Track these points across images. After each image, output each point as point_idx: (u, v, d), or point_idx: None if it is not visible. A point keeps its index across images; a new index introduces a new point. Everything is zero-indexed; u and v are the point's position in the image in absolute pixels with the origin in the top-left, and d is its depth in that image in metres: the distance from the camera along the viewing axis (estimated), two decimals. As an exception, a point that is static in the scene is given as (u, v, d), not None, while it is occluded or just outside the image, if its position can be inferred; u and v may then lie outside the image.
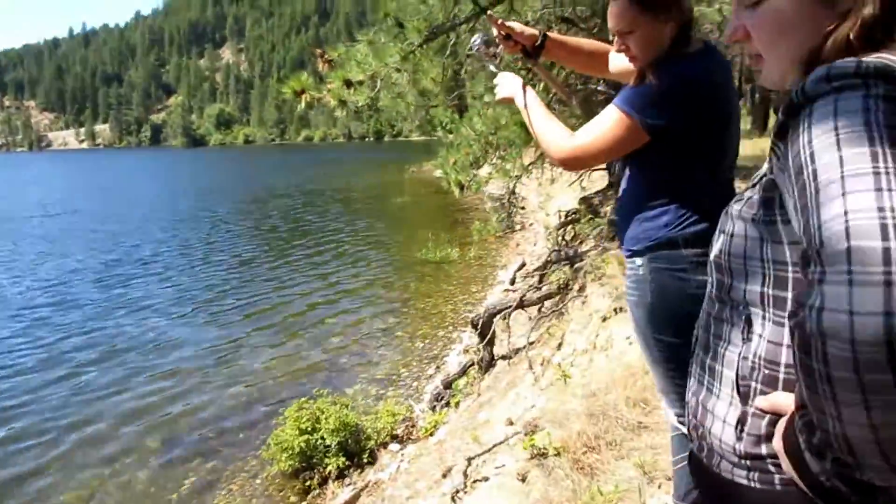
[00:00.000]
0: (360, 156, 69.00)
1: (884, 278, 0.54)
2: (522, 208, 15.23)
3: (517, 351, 6.24)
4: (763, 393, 0.82)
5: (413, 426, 5.94)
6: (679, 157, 1.79)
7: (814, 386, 0.60)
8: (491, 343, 6.36)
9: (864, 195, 0.58)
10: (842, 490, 0.68)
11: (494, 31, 2.09)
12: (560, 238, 9.45)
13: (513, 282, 10.60)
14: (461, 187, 9.08)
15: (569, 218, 10.16)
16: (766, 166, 0.81)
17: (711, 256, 0.91)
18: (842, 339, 0.56)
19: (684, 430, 1.99)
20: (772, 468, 0.81)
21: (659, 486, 2.54)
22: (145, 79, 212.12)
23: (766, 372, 0.81)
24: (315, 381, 7.39)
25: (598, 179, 12.46)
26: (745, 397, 0.84)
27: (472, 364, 6.50)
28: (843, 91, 0.66)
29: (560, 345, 5.31)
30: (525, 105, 1.94)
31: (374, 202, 24.67)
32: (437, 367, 7.64)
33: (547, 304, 6.58)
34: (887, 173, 0.59)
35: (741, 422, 0.84)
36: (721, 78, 1.83)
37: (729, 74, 1.88)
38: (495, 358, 6.43)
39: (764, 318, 0.82)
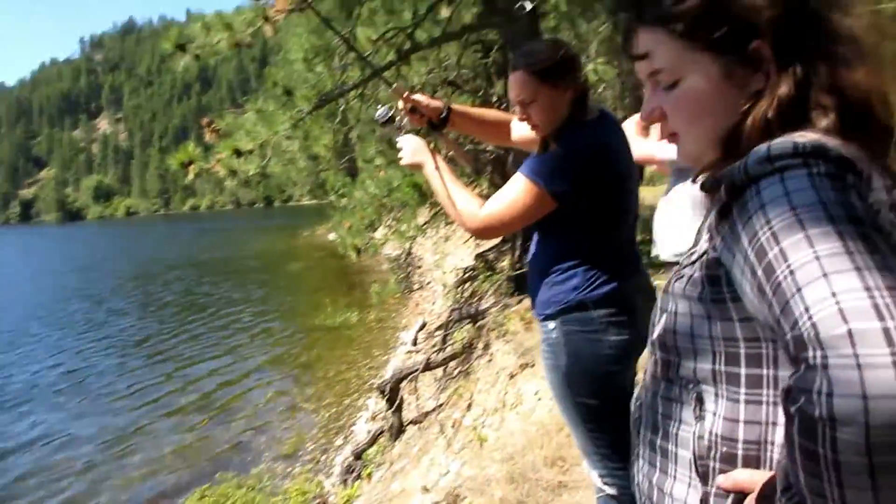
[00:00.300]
0: (250, 223, 67.56)
1: (892, 359, 0.53)
2: (419, 267, 15.29)
3: (426, 415, 6.14)
4: (723, 471, 0.80)
5: (325, 503, 5.69)
6: (584, 221, 1.83)
7: (816, 471, 0.58)
8: (399, 409, 6.23)
9: (846, 275, 0.58)
10: None
11: (400, 104, 2.09)
12: (459, 296, 9.50)
13: (415, 343, 10.53)
14: (358, 251, 9.01)
15: (466, 275, 10.26)
16: (704, 245, 0.81)
17: (654, 336, 0.90)
18: (856, 424, 0.54)
19: (610, 490, 1.98)
20: None
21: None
22: (12, 152, 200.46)
23: (724, 450, 0.80)
24: (218, 464, 6.98)
25: (491, 235, 12.72)
26: (704, 477, 0.82)
27: (382, 432, 6.33)
28: (786, 171, 0.68)
29: (469, 405, 5.27)
30: (433, 173, 1.94)
31: (268, 270, 24.00)
32: (346, 438, 7.41)
33: (452, 364, 6.55)
34: (859, 252, 0.59)
35: (704, 503, 0.82)
36: (618, 143, 1.91)
37: (624, 138, 1.96)
38: (405, 424, 6.30)
39: (717, 395, 0.81)
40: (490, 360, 5.55)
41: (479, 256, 10.87)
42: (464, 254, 14.10)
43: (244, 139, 7.15)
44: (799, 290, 0.60)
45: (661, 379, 0.89)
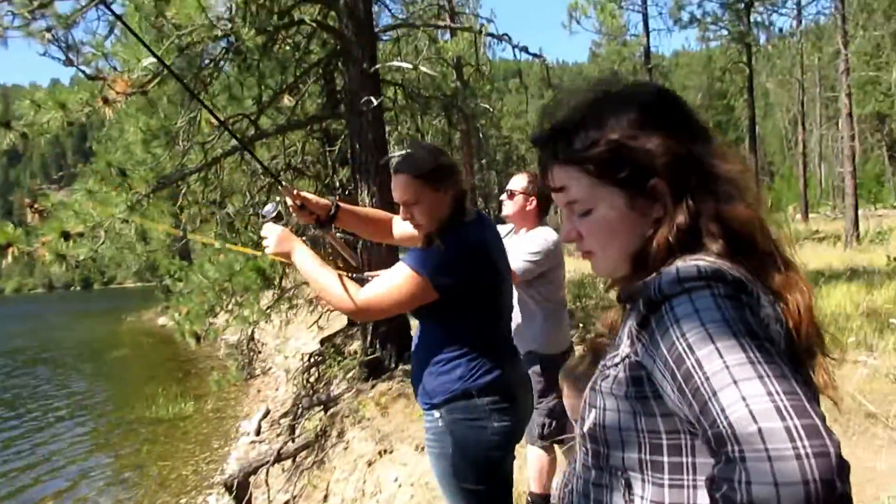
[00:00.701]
0: (67, 307, 61.74)
1: (794, 452, 0.67)
2: (259, 353, 14.74)
3: (278, 510, 5.87)
4: None
5: None
6: (466, 313, 1.97)
7: None
8: (247, 505, 5.92)
9: (751, 382, 0.72)
10: None
11: (289, 201, 2.15)
12: (306, 381, 9.27)
13: (258, 432, 10.07)
14: (197, 338, 8.60)
15: (312, 360, 10.06)
16: (625, 349, 0.95)
17: (584, 429, 1.01)
18: None
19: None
20: None
21: None
22: None
23: None
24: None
25: (335, 319, 12.63)
26: None
27: (228, 532, 5.96)
28: (693, 291, 0.83)
29: (326, 496, 5.13)
30: (303, 260, 1.99)
31: (90, 358, 21.90)
32: (184, 542, 6.86)
33: (304, 453, 6.35)
34: (759, 362, 0.74)
35: None
36: (495, 243, 2.09)
37: (500, 239, 2.15)
38: (253, 521, 5.98)
39: (643, 480, 0.93)
40: (346, 448, 5.46)
41: (325, 341, 10.73)
42: (307, 338, 13.81)
43: (73, 221, 6.71)
44: (714, 394, 0.74)
45: (592, 467, 1.00)
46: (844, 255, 14.89)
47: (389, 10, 10.87)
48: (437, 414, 1.99)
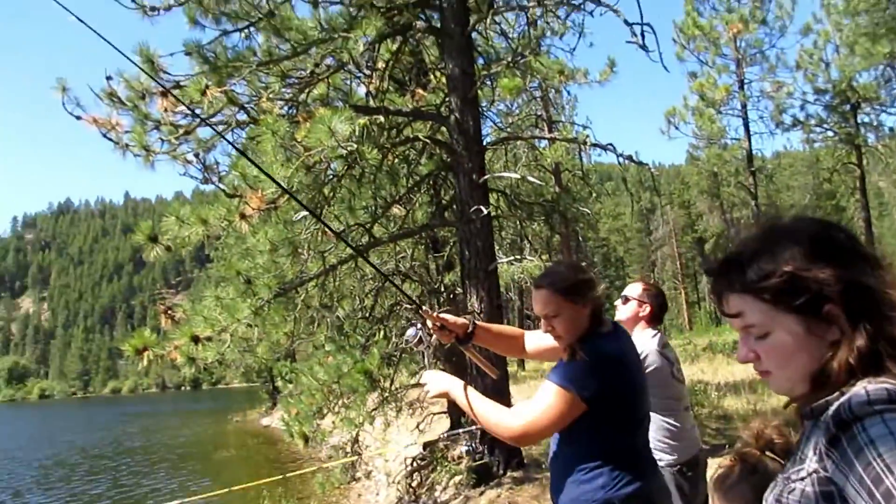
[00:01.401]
0: (177, 407, 64.22)
1: None
2: (361, 454, 14.79)
3: None
4: None
5: None
6: (607, 424, 2.04)
7: None
8: None
9: None
10: None
11: (430, 324, 2.35)
12: (409, 486, 9.25)
13: (361, 537, 10.02)
14: (305, 439, 8.82)
15: (416, 464, 10.05)
16: (812, 464, 1.01)
17: None
18: None
19: None
20: None
21: None
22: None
23: None
24: None
25: (437, 422, 12.63)
26: None
27: None
28: (884, 413, 0.91)
29: None
30: (462, 395, 2.15)
31: (198, 458, 22.61)
32: None
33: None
34: None
35: None
36: (631, 353, 2.19)
37: (635, 349, 2.25)
38: None
39: None
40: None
41: (428, 444, 10.73)
42: (406, 440, 13.82)
43: (202, 326, 7.21)
44: None
45: None
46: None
47: (492, 122, 11.44)
48: None
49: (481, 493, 6.19)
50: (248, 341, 7.99)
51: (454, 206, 7.84)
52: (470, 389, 2.16)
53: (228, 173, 7.18)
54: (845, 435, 0.93)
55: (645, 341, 3.14)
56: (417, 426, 12.12)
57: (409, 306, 9.37)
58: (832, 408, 0.98)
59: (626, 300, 3.31)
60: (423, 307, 2.41)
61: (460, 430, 8.70)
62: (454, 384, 2.20)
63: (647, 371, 3.01)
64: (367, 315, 9.92)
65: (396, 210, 9.41)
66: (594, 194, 17.74)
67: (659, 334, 3.26)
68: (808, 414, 1.06)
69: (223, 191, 6.36)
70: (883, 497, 0.85)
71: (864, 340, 1.01)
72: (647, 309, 3.27)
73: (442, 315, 2.36)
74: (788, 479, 1.07)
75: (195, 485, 17.22)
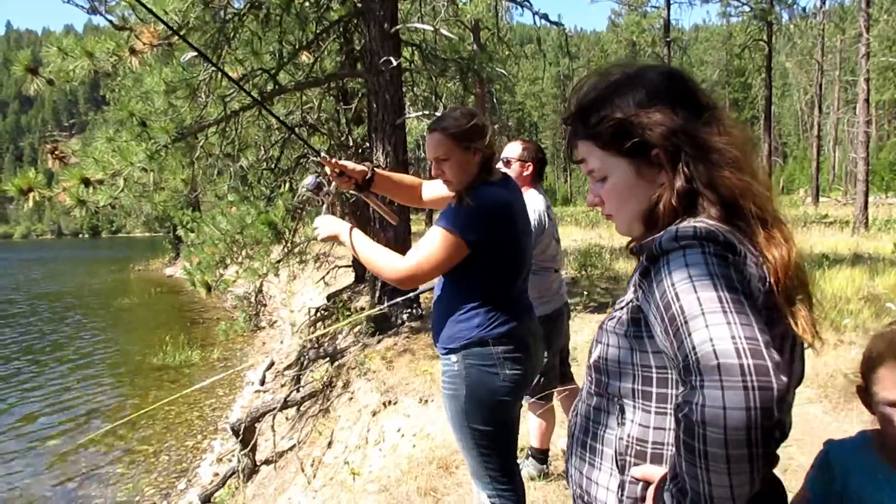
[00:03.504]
0: (75, 254, 62.09)
1: (742, 385, 0.83)
2: (264, 306, 14.96)
3: (282, 454, 6.11)
4: (636, 464, 1.08)
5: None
6: (489, 268, 2.12)
7: (692, 460, 0.88)
8: (254, 449, 6.15)
9: (720, 327, 0.88)
10: None
11: (328, 170, 2.32)
12: (312, 335, 9.50)
13: (262, 382, 10.34)
14: (208, 288, 8.78)
15: (319, 314, 10.28)
16: (630, 295, 1.10)
17: (591, 361, 1.17)
18: (718, 426, 0.84)
19: (495, 510, 2.23)
20: None
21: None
22: None
23: (638, 448, 1.08)
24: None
25: (342, 276, 12.83)
26: (622, 468, 1.10)
27: (233, 473, 6.20)
28: (687, 248, 0.98)
29: (330, 443, 5.34)
30: (352, 238, 2.16)
31: (98, 306, 22.15)
32: (189, 481, 7.11)
33: (310, 402, 6.57)
34: (730, 311, 0.89)
35: (621, 487, 1.09)
36: (518, 202, 2.23)
37: (523, 201, 2.29)
38: (258, 464, 6.22)
39: (634, 407, 1.09)
40: (351, 398, 5.66)
41: (332, 296, 10.94)
42: (313, 293, 14.04)
43: (93, 168, 6.86)
44: (689, 334, 0.90)
45: (594, 395, 1.16)
46: (851, 241, 14.95)
47: (410, -30, 10.84)
48: (453, 358, 2.16)
49: (379, 342, 6.43)
50: (143, 187, 7.68)
51: (365, 57, 7.52)
52: (358, 233, 2.19)
53: (118, 3, 6.57)
54: (653, 268, 1.00)
55: (534, 202, 3.20)
56: (323, 279, 12.30)
57: (315, 159, 9.18)
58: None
59: (508, 162, 3.29)
60: (323, 154, 2.37)
61: (363, 284, 8.88)
62: (344, 227, 2.22)
63: (535, 230, 3.10)
64: (273, 166, 9.67)
65: (304, 57, 8.96)
66: (512, 56, 17.39)
67: (543, 195, 3.33)
68: (635, 251, 1.13)
69: (111, 22, 5.84)
70: (669, 321, 0.94)
71: (682, 183, 1.07)
72: (529, 168, 3.30)
73: (341, 162, 2.34)
74: (614, 308, 1.16)
75: (94, 331, 17.03)
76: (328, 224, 2.25)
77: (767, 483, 1.11)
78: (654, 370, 1.07)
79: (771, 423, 0.83)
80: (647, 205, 1.11)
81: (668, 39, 21.83)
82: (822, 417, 4.29)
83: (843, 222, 19.83)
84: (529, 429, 3.53)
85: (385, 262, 2.11)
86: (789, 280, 1.01)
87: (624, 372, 1.09)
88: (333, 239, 2.23)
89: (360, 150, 9.78)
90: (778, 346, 1.00)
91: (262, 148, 10.17)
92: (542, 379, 3.30)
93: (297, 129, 9.21)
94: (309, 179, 2.37)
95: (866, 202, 19.23)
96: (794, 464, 3.62)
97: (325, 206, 2.38)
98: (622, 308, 1.12)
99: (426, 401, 4.81)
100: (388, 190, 2.55)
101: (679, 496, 0.94)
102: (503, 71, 13.95)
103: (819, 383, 4.74)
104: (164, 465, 7.67)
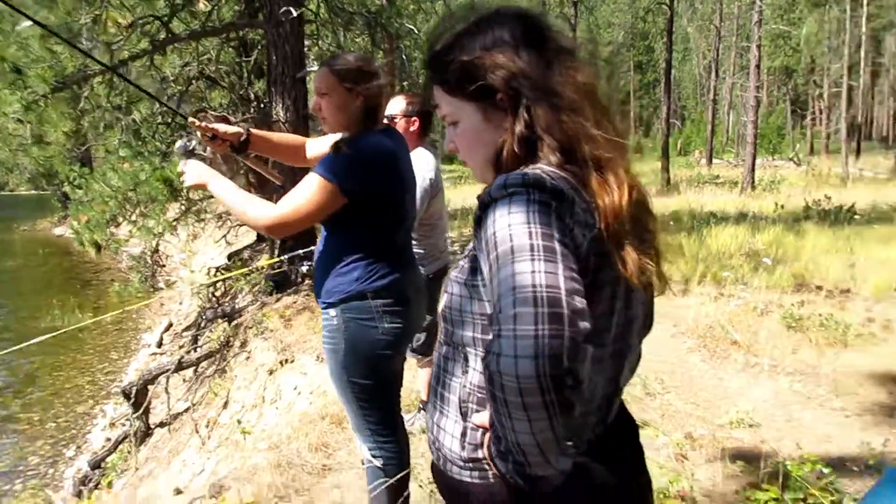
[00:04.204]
0: (-51, 211, 57.62)
1: (533, 333, 0.84)
2: (163, 266, 14.40)
3: (177, 416, 5.96)
4: (477, 411, 1.10)
5: (57, 518, 5.27)
6: (368, 219, 2.09)
7: (497, 408, 0.89)
8: (147, 412, 5.97)
9: (524, 275, 0.88)
10: (519, 482, 0.98)
11: (199, 134, 2.21)
12: (211, 295, 9.24)
13: (160, 344, 10.03)
14: (98, 247, 8.37)
15: (219, 274, 9.99)
16: (472, 244, 1.09)
17: (440, 310, 1.17)
18: (511, 375, 0.85)
19: (377, 462, 2.25)
20: (486, 467, 1.08)
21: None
22: None
23: (479, 395, 1.09)
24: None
25: (244, 234, 12.47)
26: (465, 415, 1.11)
27: (126, 437, 6.01)
28: (513, 196, 0.97)
29: (226, 403, 5.25)
30: (219, 187, 2.08)
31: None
32: (79, 447, 6.85)
33: (206, 363, 6.42)
34: (538, 259, 0.90)
35: (463, 434, 1.10)
36: (401, 153, 2.20)
37: (407, 152, 2.27)
38: (152, 427, 6.05)
39: (475, 355, 1.10)
40: (248, 358, 5.57)
41: (232, 255, 10.64)
42: (214, 253, 13.60)
43: (-38, 118, 6.35)
44: (499, 283, 0.91)
45: (444, 343, 1.17)
46: (738, 201, 15.77)
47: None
48: (332, 312, 2.13)
49: (278, 300, 6.33)
50: (21, 140, 7.17)
51: (264, 6, 7.21)
52: (225, 181, 2.10)
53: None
54: (483, 216, 1.00)
55: (423, 160, 3.17)
56: (224, 238, 11.92)
57: (215, 114, 8.81)
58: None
59: (392, 120, 3.18)
60: (191, 118, 2.26)
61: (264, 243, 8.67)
62: (211, 175, 2.12)
63: (424, 187, 3.09)
64: (170, 120, 9.21)
65: (201, 5, 8.53)
66: (423, 12, 17.11)
67: (433, 153, 3.30)
68: (479, 205, 1.13)
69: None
70: (491, 262, 0.95)
71: (522, 128, 1.06)
72: (416, 123, 3.24)
73: (211, 125, 2.24)
74: (460, 259, 1.17)
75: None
76: (197, 171, 2.14)
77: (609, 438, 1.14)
78: (489, 319, 1.07)
79: (560, 371, 0.84)
80: (494, 150, 1.09)
81: (574, 1, 22.08)
82: (700, 366, 4.55)
83: (732, 183, 20.84)
84: (420, 383, 3.58)
85: (253, 209, 2.03)
86: (619, 225, 1.01)
87: (465, 321, 1.10)
88: (201, 187, 2.13)
89: (261, 105, 9.45)
90: (608, 294, 1.04)
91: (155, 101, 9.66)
92: (428, 337, 3.34)
93: (180, 72, 8.80)
94: (179, 144, 2.24)
95: (754, 164, 20.28)
96: (671, 409, 3.85)
97: (207, 163, 2.28)
98: (466, 257, 1.13)
99: (324, 358, 4.79)
100: (269, 150, 2.47)
101: (496, 443, 0.97)
102: (413, 27, 13.71)
103: (699, 334, 5.02)
104: (51, 432, 7.34)
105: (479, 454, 1.08)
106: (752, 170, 20.13)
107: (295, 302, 6.09)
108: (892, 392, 3.95)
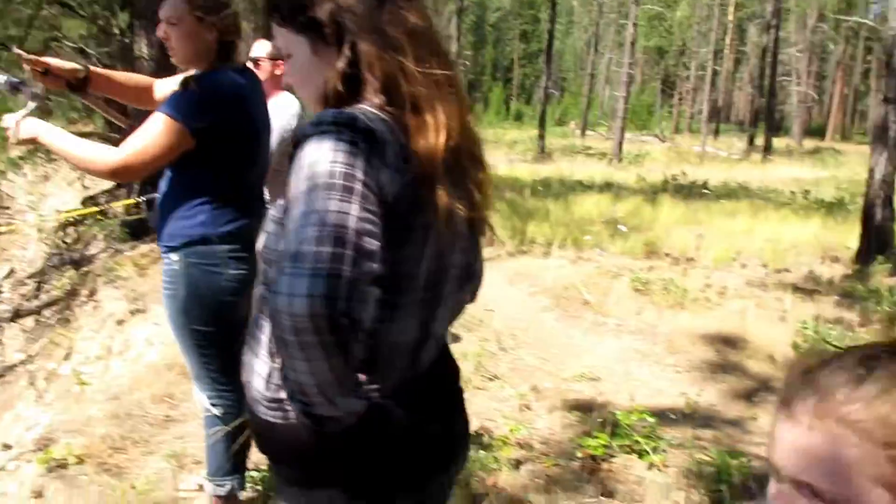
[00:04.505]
0: None
1: (310, 272, 0.84)
2: (6, 208, 13.25)
3: (12, 368, 5.55)
4: None
5: None
6: (215, 161, 1.99)
7: (279, 348, 0.89)
8: (-22, 363, 5.52)
9: (314, 214, 0.88)
10: (306, 422, 0.98)
11: (27, 69, 2.01)
12: (61, 241, 8.62)
13: None
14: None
15: (72, 218, 9.33)
16: None
17: (257, 249, 1.13)
18: (286, 313, 0.84)
19: (216, 411, 2.20)
20: (288, 407, 1.06)
21: (190, 472, 2.69)
22: None
23: None
24: None
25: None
26: (272, 356, 1.08)
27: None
28: (323, 134, 0.95)
29: (69, 354, 4.94)
30: (51, 137, 1.92)
31: None
32: None
33: (48, 312, 6.00)
34: (333, 199, 0.89)
35: (270, 374, 1.08)
36: (256, 96, 2.10)
37: (263, 94, 2.16)
38: (-17, 380, 5.61)
39: None
40: (96, 307, 5.25)
41: (87, 200, 9.96)
42: (68, 196, 12.65)
43: None
44: (292, 219, 0.90)
45: (261, 283, 1.14)
46: (606, 171, 16.54)
47: None
48: (174, 257, 2.03)
49: (134, 248, 6.00)
50: None
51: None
52: (57, 129, 1.95)
53: None
54: (295, 152, 0.99)
55: (287, 106, 3.06)
56: (80, 180, 11.11)
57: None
58: None
59: (257, 62, 3.04)
60: (17, 49, 2.05)
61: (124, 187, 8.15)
62: (41, 126, 1.94)
63: (282, 135, 2.98)
64: (18, 46, 8.37)
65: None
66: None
67: (299, 101, 3.20)
68: (293, 144, 1.11)
69: None
70: (290, 200, 0.94)
71: (345, 65, 1.04)
72: (282, 67, 3.13)
73: (44, 59, 2.04)
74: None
75: None
76: (23, 123, 1.94)
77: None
78: None
79: (334, 312, 0.84)
80: (323, 87, 1.07)
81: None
82: (553, 324, 4.76)
83: (602, 154, 21.80)
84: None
85: (93, 154, 1.89)
86: (432, 169, 1.01)
87: (276, 260, 1.07)
88: (31, 142, 1.95)
89: (125, 39, 8.80)
90: (418, 239, 1.03)
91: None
92: None
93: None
94: (2, 79, 2.04)
95: (622, 138, 21.29)
96: (521, 363, 4.02)
97: (32, 107, 2.06)
98: (286, 196, 1.10)
99: (178, 308, 4.60)
100: (112, 91, 2.28)
101: (286, 383, 0.97)
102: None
103: (555, 294, 5.24)
104: None
105: (283, 394, 1.06)
106: (621, 143, 21.16)
107: (152, 250, 5.78)
108: (719, 351, 4.31)
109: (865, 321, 4.87)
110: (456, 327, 4.43)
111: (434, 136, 1.01)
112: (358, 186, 0.91)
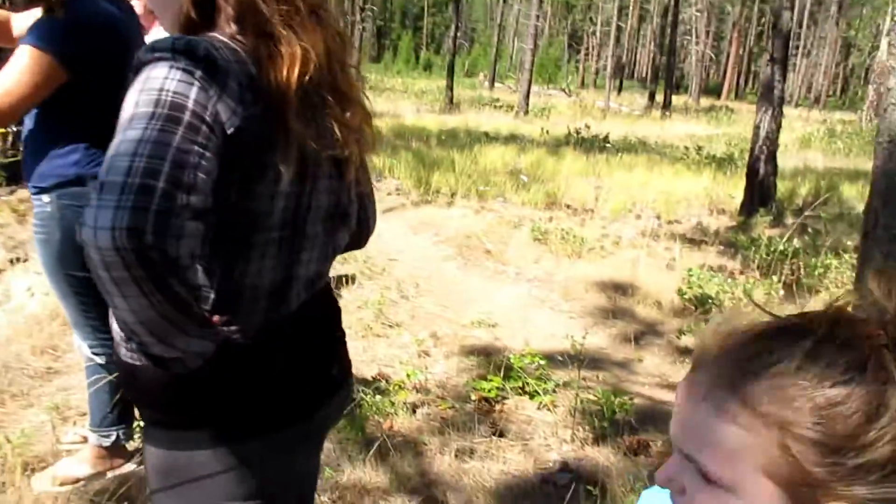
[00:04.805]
0: None
1: (115, 204, 0.79)
2: None
3: None
4: None
5: None
6: (90, 95, 1.85)
7: (97, 284, 0.84)
8: None
9: (130, 144, 0.83)
10: (147, 363, 0.94)
11: None
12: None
13: None
14: None
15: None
16: None
17: None
18: (93, 246, 0.80)
19: (98, 360, 2.12)
20: None
21: (73, 423, 2.60)
22: None
23: None
24: None
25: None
26: None
27: None
28: (158, 61, 0.89)
29: (-59, 307, 4.62)
30: None
31: None
32: None
33: (-81, 262, 5.56)
34: (153, 128, 0.84)
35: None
36: (129, 24, 1.96)
37: (138, 27, 2.02)
38: None
39: None
40: (-30, 256, 4.91)
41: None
42: (-62, 138, 11.68)
43: None
44: (110, 147, 0.86)
45: None
46: (512, 124, 16.69)
47: None
48: (46, 198, 1.91)
49: (12, 192, 5.62)
50: None
51: None
52: None
53: None
54: (131, 81, 0.93)
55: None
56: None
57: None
58: None
59: None
60: None
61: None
62: None
63: None
64: None
65: None
66: None
67: None
68: (132, 70, 1.01)
69: None
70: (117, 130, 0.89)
71: None
72: None
73: None
74: None
75: None
76: None
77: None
78: None
79: (142, 246, 0.79)
80: (178, 13, 1.00)
81: None
82: (455, 272, 4.83)
83: (509, 106, 21.94)
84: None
85: None
86: (284, 104, 0.97)
87: None
88: None
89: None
90: (270, 177, 0.98)
91: None
92: None
93: None
94: None
95: (529, 90, 21.47)
96: (422, 311, 4.07)
97: None
98: None
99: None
100: None
101: (117, 323, 0.93)
102: None
103: (457, 243, 5.31)
104: None
105: None
106: (528, 96, 21.32)
107: (31, 195, 5.43)
108: (611, 297, 4.50)
109: (745, 269, 5.20)
110: (358, 276, 4.45)
111: (286, 68, 0.96)
112: (186, 116, 0.86)
